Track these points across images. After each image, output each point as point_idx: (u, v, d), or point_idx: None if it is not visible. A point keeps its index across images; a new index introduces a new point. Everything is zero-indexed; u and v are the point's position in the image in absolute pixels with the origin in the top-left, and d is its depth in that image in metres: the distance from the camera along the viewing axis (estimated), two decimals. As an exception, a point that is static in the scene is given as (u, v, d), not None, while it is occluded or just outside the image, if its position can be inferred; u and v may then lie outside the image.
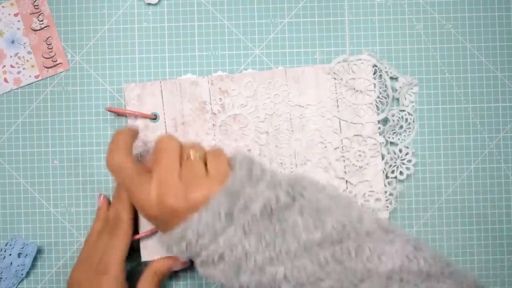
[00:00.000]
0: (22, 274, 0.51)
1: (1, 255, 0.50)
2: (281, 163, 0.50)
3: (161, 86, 0.50)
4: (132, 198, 0.42)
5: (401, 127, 0.51)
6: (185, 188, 0.40)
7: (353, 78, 0.50)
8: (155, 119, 0.50)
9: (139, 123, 0.49)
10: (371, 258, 0.37)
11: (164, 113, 0.50)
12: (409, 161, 0.51)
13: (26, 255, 0.50)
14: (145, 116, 0.49)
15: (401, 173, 0.51)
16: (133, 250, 0.49)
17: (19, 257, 0.50)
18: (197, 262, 0.41)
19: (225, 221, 0.39)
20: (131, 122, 0.49)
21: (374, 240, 0.38)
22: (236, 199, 0.39)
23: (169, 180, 0.40)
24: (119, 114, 0.51)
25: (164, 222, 0.41)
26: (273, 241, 0.39)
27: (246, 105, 0.50)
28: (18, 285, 0.51)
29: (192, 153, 0.42)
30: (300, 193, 0.40)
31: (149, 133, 0.49)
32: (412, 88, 0.51)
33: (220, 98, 0.50)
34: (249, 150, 0.50)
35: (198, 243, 0.39)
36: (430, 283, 0.36)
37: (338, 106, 0.50)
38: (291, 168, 0.50)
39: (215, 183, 0.40)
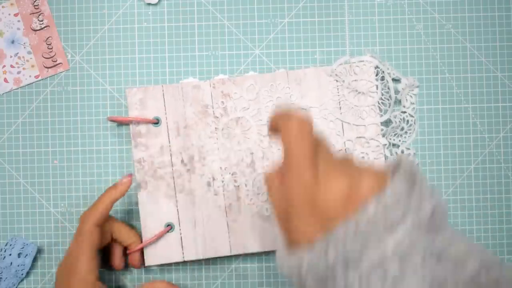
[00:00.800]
0: (22, 274, 0.51)
1: (1, 255, 0.50)
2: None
3: (163, 90, 0.50)
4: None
5: (402, 128, 0.51)
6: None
7: (355, 80, 0.50)
8: (157, 123, 0.49)
9: (141, 127, 0.49)
10: None
11: (166, 117, 0.50)
12: (411, 162, 0.51)
13: (26, 255, 0.50)
14: (147, 121, 0.49)
15: (402, 173, 0.51)
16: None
17: (19, 257, 0.50)
18: None
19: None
20: (133, 126, 0.49)
21: None
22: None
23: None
24: (121, 123, 0.51)
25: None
26: None
27: (248, 108, 0.50)
28: (18, 285, 0.51)
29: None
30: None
31: (151, 138, 0.49)
32: (413, 90, 0.51)
33: (222, 102, 0.50)
34: (251, 154, 0.50)
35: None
36: None
37: (340, 108, 0.50)
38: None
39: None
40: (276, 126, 0.33)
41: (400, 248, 0.27)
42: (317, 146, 0.32)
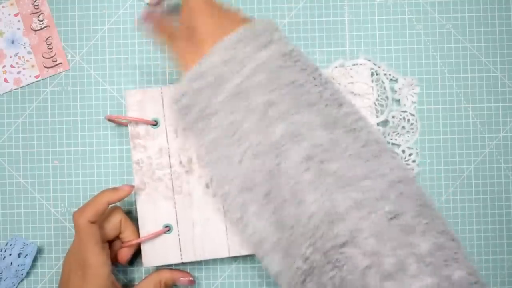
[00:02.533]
0: (22, 274, 0.51)
1: (1, 255, 0.50)
2: (282, 164, 0.50)
3: (161, 92, 0.50)
4: (84, 257, 0.44)
5: (403, 127, 0.51)
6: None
7: (351, 82, 0.50)
8: (156, 125, 0.49)
9: (140, 129, 0.49)
10: None
11: (165, 119, 0.49)
12: (414, 161, 0.51)
13: (26, 255, 0.50)
14: (145, 122, 0.49)
15: (404, 173, 0.51)
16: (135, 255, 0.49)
17: (19, 257, 0.50)
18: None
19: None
20: (131, 127, 0.49)
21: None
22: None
23: None
24: (119, 123, 0.51)
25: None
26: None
27: None
28: (18, 285, 0.51)
29: None
30: None
31: (150, 139, 0.49)
32: (413, 89, 0.51)
33: None
34: None
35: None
36: None
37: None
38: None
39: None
40: None
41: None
42: None
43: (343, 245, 0.36)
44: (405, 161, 0.51)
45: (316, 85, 0.41)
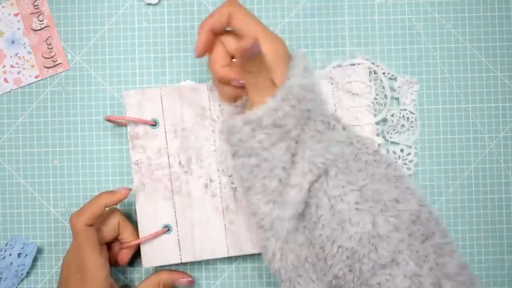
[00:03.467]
0: (22, 274, 0.51)
1: (1, 255, 0.50)
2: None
3: (160, 93, 0.50)
4: (82, 258, 0.45)
5: (403, 126, 0.51)
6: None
7: (349, 82, 0.50)
8: (155, 125, 0.49)
9: (139, 129, 0.49)
10: None
11: (164, 119, 0.49)
12: (411, 161, 0.51)
13: (26, 255, 0.50)
14: (145, 123, 0.49)
15: (403, 172, 0.51)
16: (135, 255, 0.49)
17: (19, 257, 0.50)
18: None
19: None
20: (131, 128, 0.49)
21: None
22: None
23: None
24: (118, 124, 0.51)
25: None
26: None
27: None
28: (18, 285, 0.51)
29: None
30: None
31: (149, 140, 0.49)
32: (413, 87, 0.51)
33: (220, 104, 0.50)
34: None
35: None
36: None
37: (336, 110, 0.50)
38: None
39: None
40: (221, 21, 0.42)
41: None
42: None
43: (384, 266, 0.39)
44: (403, 160, 0.51)
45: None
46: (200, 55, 0.43)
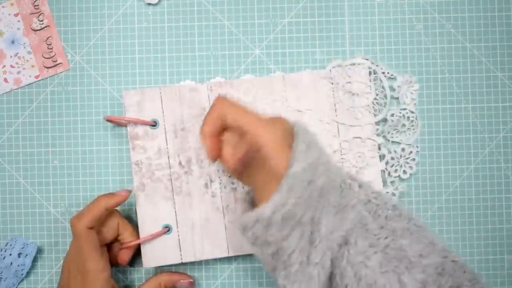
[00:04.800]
0: (22, 274, 0.51)
1: (1, 255, 0.50)
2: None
3: (160, 93, 0.50)
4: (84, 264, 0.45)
5: (404, 125, 0.51)
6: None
7: (349, 82, 0.50)
8: (154, 125, 0.49)
9: (139, 129, 0.49)
10: None
11: (164, 119, 0.49)
12: (413, 159, 0.51)
13: (26, 255, 0.50)
14: (144, 123, 0.49)
15: (404, 172, 0.51)
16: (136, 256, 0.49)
17: (19, 257, 0.50)
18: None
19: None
20: (130, 128, 0.49)
21: None
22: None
23: None
24: (118, 124, 0.51)
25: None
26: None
27: None
28: (18, 285, 0.51)
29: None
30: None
31: (149, 140, 0.49)
32: (412, 86, 0.51)
33: None
34: None
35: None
36: None
37: (336, 110, 0.50)
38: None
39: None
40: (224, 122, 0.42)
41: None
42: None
43: None
44: (405, 159, 0.51)
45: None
46: (215, 160, 0.43)
